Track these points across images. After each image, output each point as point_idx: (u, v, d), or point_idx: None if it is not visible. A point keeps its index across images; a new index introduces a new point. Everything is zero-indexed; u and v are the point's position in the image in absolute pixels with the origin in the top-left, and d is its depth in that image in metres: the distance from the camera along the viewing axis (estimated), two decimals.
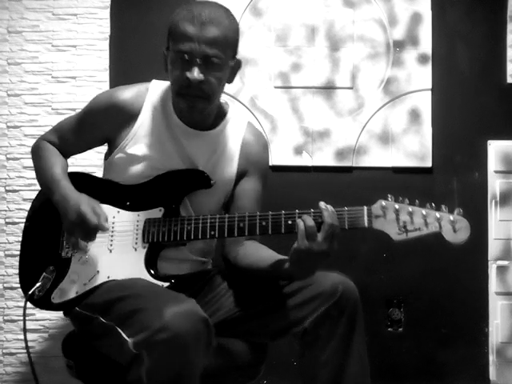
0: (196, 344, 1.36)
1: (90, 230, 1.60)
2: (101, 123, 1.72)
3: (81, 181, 1.74)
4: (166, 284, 1.59)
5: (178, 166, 1.68)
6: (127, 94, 1.71)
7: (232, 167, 1.74)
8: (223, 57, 1.59)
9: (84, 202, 1.61)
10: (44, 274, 1.67)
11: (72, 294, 1.64)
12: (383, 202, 1.46)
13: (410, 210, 1.44)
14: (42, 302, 1.67)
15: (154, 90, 1.72)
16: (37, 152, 1.81)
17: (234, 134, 1.75)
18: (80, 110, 1.80)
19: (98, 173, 2.03)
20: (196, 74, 1.56)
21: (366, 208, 1.47)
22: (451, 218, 1.42)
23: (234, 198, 1.76)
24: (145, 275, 1.61)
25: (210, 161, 1.71)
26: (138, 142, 1.68)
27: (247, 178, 1.76)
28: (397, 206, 1.45)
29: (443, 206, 1.45)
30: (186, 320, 1.35)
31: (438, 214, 1.43)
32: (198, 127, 1.69)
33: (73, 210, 1.60)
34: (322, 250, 1.43)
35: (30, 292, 1.66)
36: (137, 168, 1.68)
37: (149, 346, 1.35)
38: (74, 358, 1.67)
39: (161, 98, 1.71)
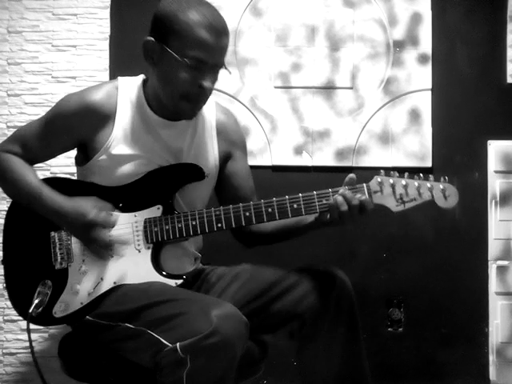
0: (241, 346, 1.38)
1: (101, 245, 1.59)
2: (74, 126, 1.66)
3: (64, 186, 1.68)
4: (180, 281, 1.59)
5: (163, 160, 1.67)
6: (98, 94, 1.67)
7: (213, 151, 1.75)
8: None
9: (87, 214, 1.57)
10: (39, 289, 1.61)
11: (76, 306, 1.60)
12: (379, 178, 1.56)
13: (404, 183, 1.54)
14: (43, 318, 1.61)
15: (124, 88, 1.70)
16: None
17: (206, 117, 1.76)
18: (44, 115, 1.72)
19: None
20: (210, 83, 1.58)
21: (365, 185, 1.56)
22: (441, 186, 1.55)
23: (228, 181, 1.78)
24: (155, 276, 1.59)
25: (191, 149, 1.71)
26: (120, 142, 1.65)
27: (234, 159, 1.79)
28: (391, 181, 1.55)
29: (430, 176, 1.56)
30: (232, 323, 1.37)
31: (429, 184, 1.54)
32: (173, 118, 1.68)
33: (75, 225, 1.58)
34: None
35: (30, 310, 1.57)
36: (124, 168, 1.65)
37: (197, 351, 1.34)
38: (71, 358, 1.66)
39: (132, 94, 1.69)
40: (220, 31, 1.56)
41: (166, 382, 1.40)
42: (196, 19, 1.55)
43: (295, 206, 1.57)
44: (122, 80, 1.72)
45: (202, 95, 1.61)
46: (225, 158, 1.78)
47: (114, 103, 1.67)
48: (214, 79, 1.61)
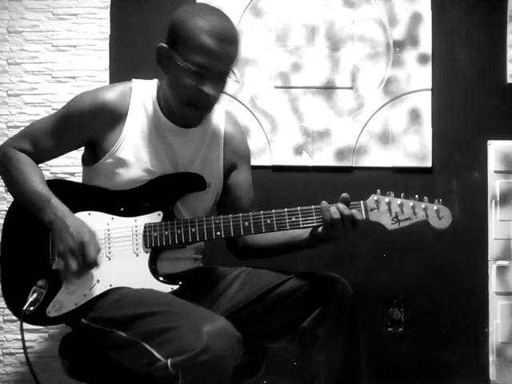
0: (233, 361, 1.37)
1: (86, 263, 1.56)
2: (86, 125, 1.66)
3: (66, 189, 1.68)
4: (176, 287, 1.60)
5: (168, 168, 1.67)
6: (112, 94, 1.67)
7: (219, 161, 1.76)
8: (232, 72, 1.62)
9: (86, 232, 1.57)
10: (34, 287, 1.60)
11: (70, 306, 1.60)
12: (375, 197, 1.61)
13: (399, 202, 1.60)
14: (36, 317, 1.60)
15: (138, 90, 1.70)
16: (7, 163, 1.69)
17: (215, 126, 1.77)
18: (56, 112, 1.73)
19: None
20: (214, 90, 1.57)
21: (362, 202, 1.60)
22: (435, 207, 1.61)
23: (229, 191, 1.79)
24: (151, 280, 1.60)
25: (197, 158, 1.72)
26: (128, 144, 1.66)
27: (238, 170, 1.80)
28: (387, 200, 1.60)
29: (425, 198, 1.61)
30: (224, 340, 1.35)
31: (423, 205, 1.60)
32: (184, 125, 1.69)
33: (74, 238, 1.55)
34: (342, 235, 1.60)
35: (24, 308, 1.56)
36: (127, 172, 1.65)
37: (189, 367, 1.34)
38: (72, 358, 1.66)
39: (145, 97, 1.70)
40: (225, 39, 1.55)
41: None
42: (202, 26, 1.55)
43: (293, 218, 1.59)
44: (136, 82, 1.72)
45: (206, 102, 1.60)
46: (229, 169, 1.79)
47: (127, 105, 1.67)
48: (220, 87, 1.60)
